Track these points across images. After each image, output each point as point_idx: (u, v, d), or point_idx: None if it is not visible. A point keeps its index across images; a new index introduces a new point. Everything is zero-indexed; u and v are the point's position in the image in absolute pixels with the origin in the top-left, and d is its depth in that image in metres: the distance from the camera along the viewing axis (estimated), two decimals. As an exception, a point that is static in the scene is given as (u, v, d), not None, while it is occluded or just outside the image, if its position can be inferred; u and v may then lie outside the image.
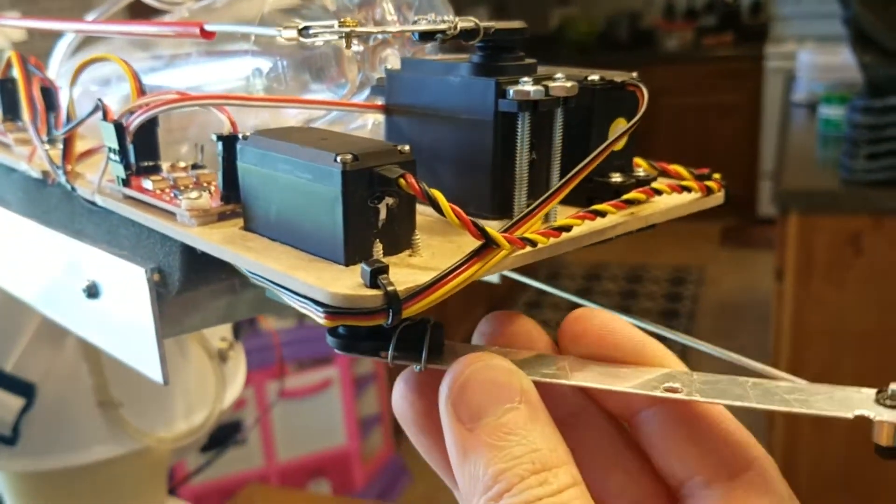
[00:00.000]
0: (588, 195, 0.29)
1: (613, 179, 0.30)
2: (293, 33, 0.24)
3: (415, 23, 0.25)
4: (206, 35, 0.29)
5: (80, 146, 0.34)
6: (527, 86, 0.26)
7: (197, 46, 0.36)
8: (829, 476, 1.87)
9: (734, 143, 3.95)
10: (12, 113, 0.42)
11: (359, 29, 0.24)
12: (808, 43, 3.03)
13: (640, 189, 0.29)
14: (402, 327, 0.26)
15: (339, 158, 0.23)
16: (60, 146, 0.35)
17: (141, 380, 0.56)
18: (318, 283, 0.23)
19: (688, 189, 0.30)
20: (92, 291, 0.33)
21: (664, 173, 0.33)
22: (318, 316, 0.23)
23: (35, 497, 0.57)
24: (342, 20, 0.24)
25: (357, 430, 2.19)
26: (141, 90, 0.31)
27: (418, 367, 0.26)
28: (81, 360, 0.53)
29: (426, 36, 0.25)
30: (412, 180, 0.24)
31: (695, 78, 3.93)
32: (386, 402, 2.33)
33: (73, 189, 0.33)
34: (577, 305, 0.30)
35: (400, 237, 0.25)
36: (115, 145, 0.30)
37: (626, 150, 0.30)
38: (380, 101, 0.31)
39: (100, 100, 0.30)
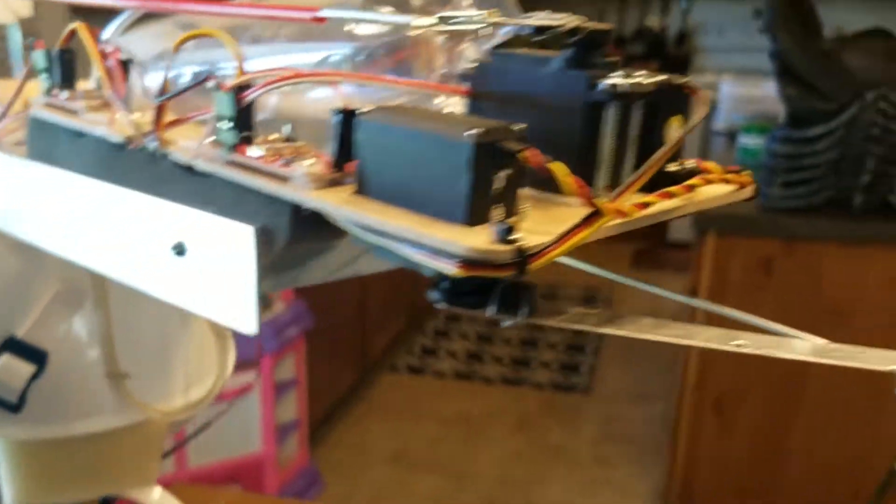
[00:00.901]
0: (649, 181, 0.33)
1: (670, 168, 0.34)
2: (432, 21, 0.27)
3: (529, 18, 0.29)
4: (318, 20, 0.32)
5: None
6: (616, 80, 0.30)
7: (272, 30, 0.39)
8: (728, 485, 1.98)
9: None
10: (68, 82, 0.44)
11: (505, 20, 0.27)
12: (726, 75, 3.19)
13: (696, 177, 0.33)
14: (502, 287, 0.29)
15: (471, 132, 0.27)
16: (137, 114, 0.37)
17: (143, 352, 0.58)
18: (454, 237, 0.26)
19: (727, 181, 0.35)
20: (180, 251, 0.35)
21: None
22: (449, 266, 0.27)
23: (32, 466, 0.57)
24: (488, 11, 0.27)
25: (273, 437, 2.18)
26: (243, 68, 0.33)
27: (512, 321, 0.30)
28: (94, 330, 0.54)
29: (542, 30, 0.29)
30: (535, 153, 0.27)
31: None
32: (304, 408, 2.33)
33: (164, 155, 0.36)
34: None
35: (510, 205, 0.29)
36: (230, 114, 0.32)
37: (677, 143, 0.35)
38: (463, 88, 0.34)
39: (212, 71, 0.33)
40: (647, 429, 2.77)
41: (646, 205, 0.30)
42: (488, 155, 0.27)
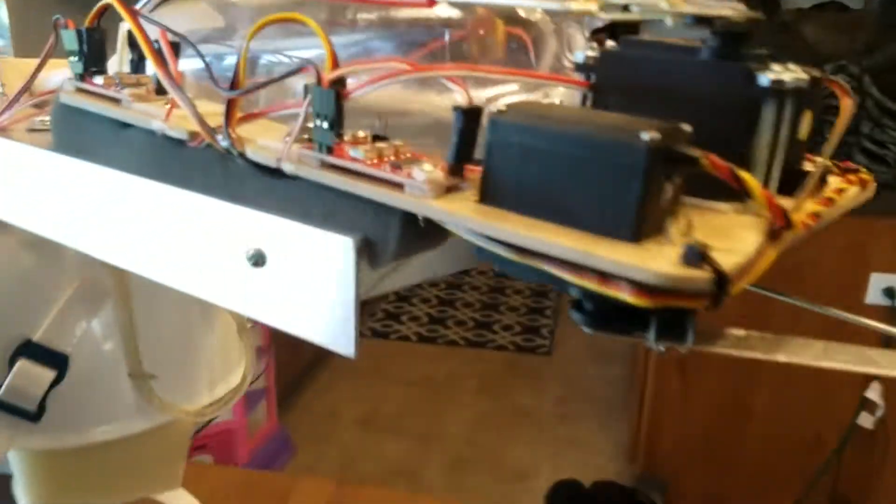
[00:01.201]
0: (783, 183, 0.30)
1: (808, 168, 0.31)
2: (589, 6, 0.24)
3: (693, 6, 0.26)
4: (430, 3, 0.28)
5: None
6: (780, 74, 0.27)
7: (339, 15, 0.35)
8: (691, 446, 2.02)
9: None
10: (96, 65, 0.39)
11: (685, 10, 0.24)
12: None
13: (843, 179, 0.30)
14: (661, 311, 0.26)
15: (645, 135, 0.23)
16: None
17: (166, 351, 0.53)
18: (633, 260, 0.23)
19: (864, 182, 0.32)
20: (257, 261, 0.31)
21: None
22: (624, 293, 0.23)
23: (51, 473, 0.53)
24: (671, -1, 0.23)
25: (243, 406, 2.15)
26: (336, 60, 0.29)
27: (664, 347, 0.26)
28: (116, 329, 0.49)
29: (702, 20, 0.25)
30: (718, 160, 0.24)
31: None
32: (272, 376, 2.30)
33: (239, 154, 0.31)
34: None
35: (676, 216, 0.25)
36: (330, 112, 0.28)
37: (807, 141, 0.31)
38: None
39: (310, 62, 0.28)
40: (608, 388, 2.79)
41: (817, 215, 0.27)
42: (663, 160, 0.24)
